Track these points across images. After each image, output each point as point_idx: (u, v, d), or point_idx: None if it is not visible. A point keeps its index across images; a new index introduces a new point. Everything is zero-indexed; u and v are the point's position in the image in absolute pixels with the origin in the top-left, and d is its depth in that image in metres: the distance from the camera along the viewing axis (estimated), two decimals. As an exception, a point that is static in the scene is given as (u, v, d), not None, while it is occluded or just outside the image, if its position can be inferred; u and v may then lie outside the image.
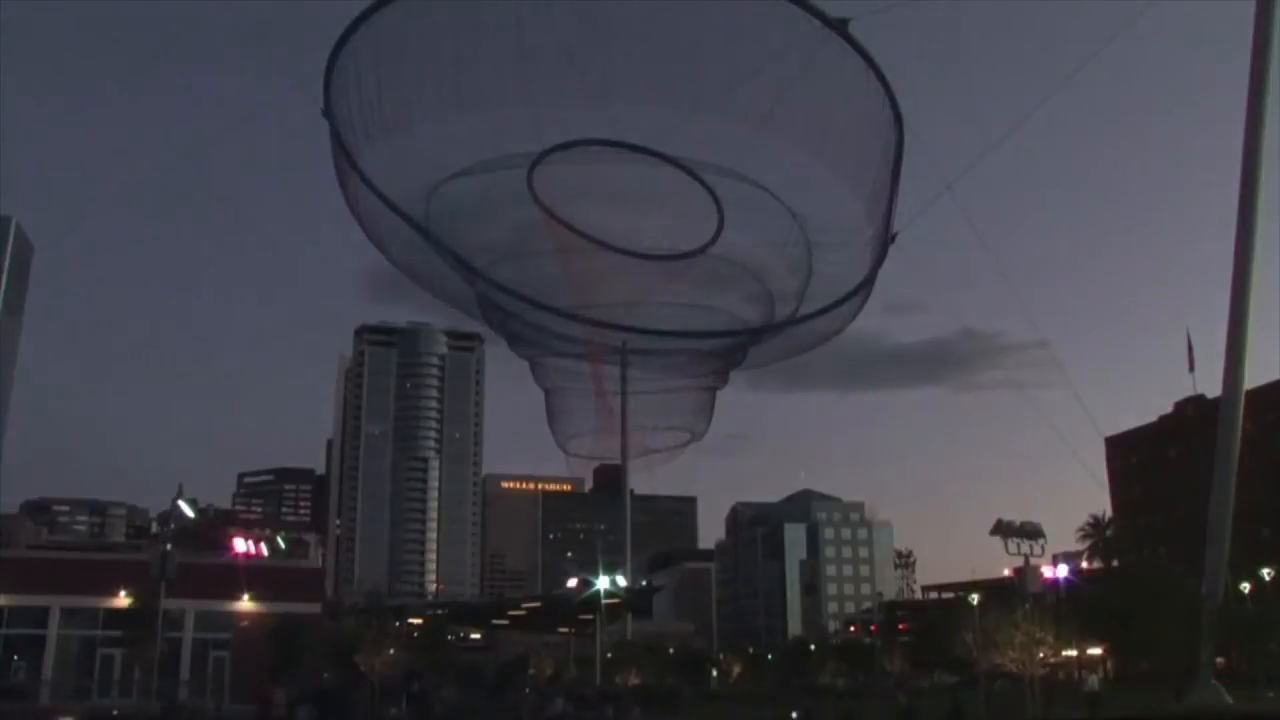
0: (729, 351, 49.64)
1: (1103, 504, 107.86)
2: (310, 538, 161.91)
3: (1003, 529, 68.05)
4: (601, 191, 42.44)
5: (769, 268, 45.26)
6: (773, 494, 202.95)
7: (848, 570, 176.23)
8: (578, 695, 53.23)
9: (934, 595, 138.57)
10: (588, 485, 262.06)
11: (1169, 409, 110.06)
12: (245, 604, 62.24)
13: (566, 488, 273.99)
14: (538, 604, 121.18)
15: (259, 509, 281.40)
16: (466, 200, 39.73)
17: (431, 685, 57.71)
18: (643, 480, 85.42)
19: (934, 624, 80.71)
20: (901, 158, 37.57)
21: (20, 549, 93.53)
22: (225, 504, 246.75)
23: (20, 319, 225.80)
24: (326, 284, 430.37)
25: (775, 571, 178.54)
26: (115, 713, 49.78)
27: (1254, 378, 44.17)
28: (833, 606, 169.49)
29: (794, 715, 44.78)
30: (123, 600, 58.14)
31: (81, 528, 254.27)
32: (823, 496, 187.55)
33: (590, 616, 73.97)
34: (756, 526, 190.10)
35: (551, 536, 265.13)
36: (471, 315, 49.51)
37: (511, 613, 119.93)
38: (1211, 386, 70.17)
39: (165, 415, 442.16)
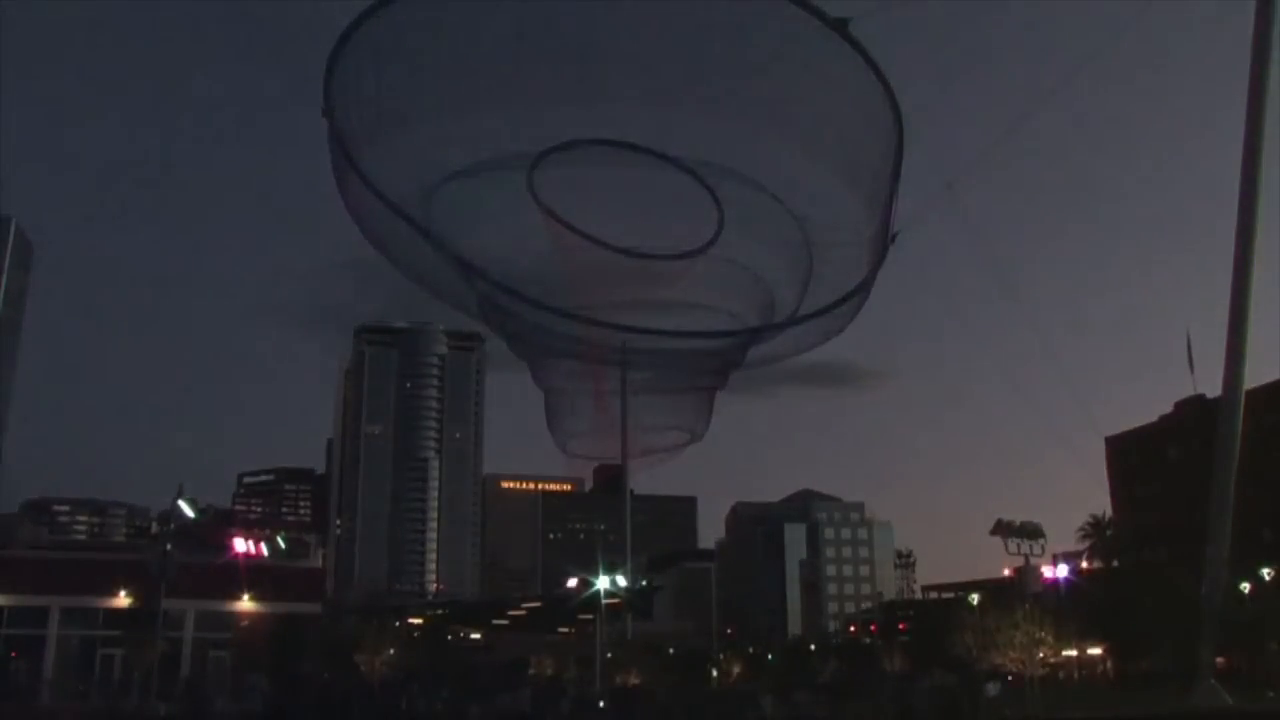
0: (729, 352, 49.57)
1: (1103, 504, 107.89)
2: (310, 538, 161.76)
3: (1003, 529, 68.06)
4: (601, 191, 42.37)
5: (769, 268, 45.19)
6: (773, 494, 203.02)
7: (848, 570, 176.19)
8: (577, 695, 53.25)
9: (934, 595, 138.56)
10: (588, 485, 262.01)
11: (1169, 409, 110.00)
12: (245, 604, 62.31)
13: (566, 488, 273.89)
14: (538, 604, 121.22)
15: (259, 509, 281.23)
16: (466, 200, 39.67)
17: (430, 685, 57.67)
18: (643, 480, 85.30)
19: (934, 624, 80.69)
20: (901, 157, 37.60)
21: (20, 549, 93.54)
22: (225, 504, 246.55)
23: (20, 319, 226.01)
24: (326, 284, 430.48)
25: (775, 571, 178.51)
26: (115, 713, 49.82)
27: (1254, 378, 44.20)
28: (833, 606, 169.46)
29: None
30: (123, 600, 58.25)
31: (81, 528, 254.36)
32: (823, 496, 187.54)
33: (590, 616, 73.85)
34: (756, 526, 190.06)
35: (551, 536, 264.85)
36: (471, 315, 49.43)
37: (511, 613, 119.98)
38: (1211, 386, 70.20)
39: (165, 415, 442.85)
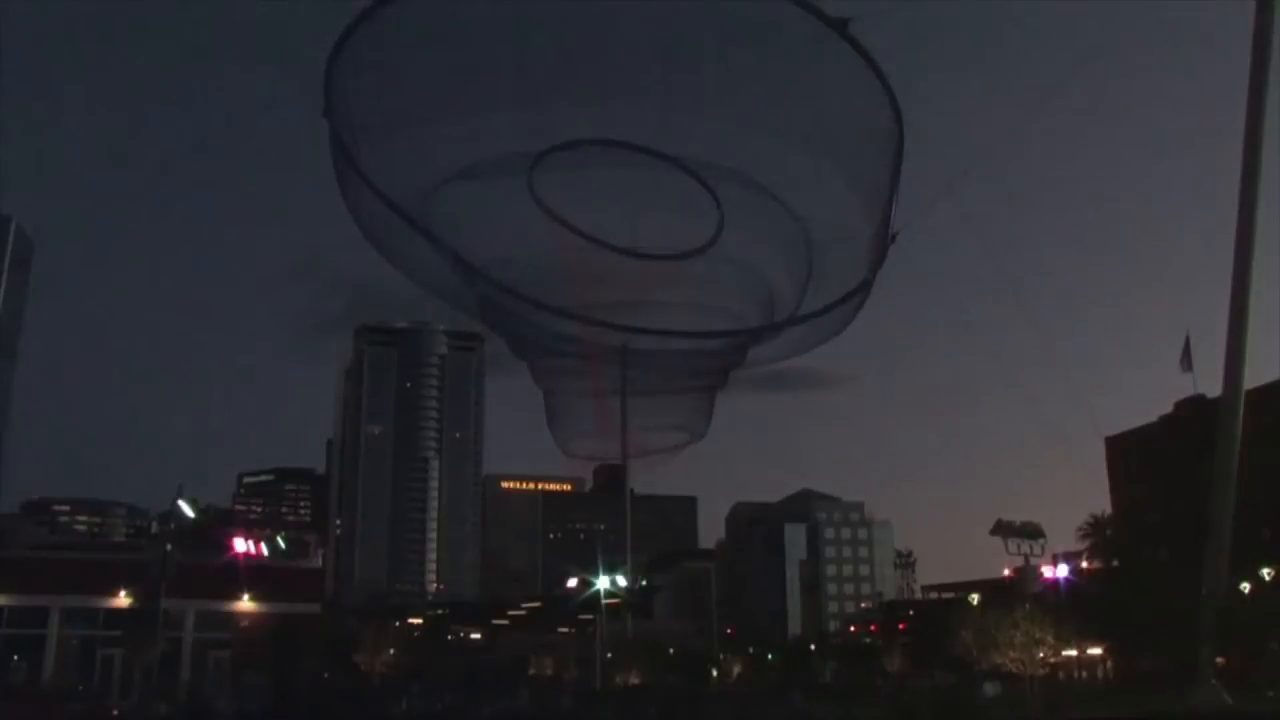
0: (729, 351, 49.60)
1: (1103, 504, 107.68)
2: (310, 538, 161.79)
3: (1003, 529, 68.08)
4: (602, 191, 42.40)
5: (769, 267, 45.23)
6: (773, 494, 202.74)
7: (848, 570, 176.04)
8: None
9: (934, 595, 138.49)
10: (588, 485, 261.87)
11: (1169, 409, 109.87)
12: (245, 604, 62.31)
13: (566, 488, 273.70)
14: (538, 604, 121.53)
15: (259, 509, 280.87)
16: (467, 200, 39.70)
17: (430, 685, 57.65)
18: (643, 480, 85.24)
19: (934, 624, 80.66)
20: (901, 157, 37.64)
21: (20, 549, 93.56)
22: (225, 504, 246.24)
23: (20, 318, 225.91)
24: (327, 283, 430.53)
25: (775, 571, 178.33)
26: (115, 713, 49.87)
27: (1254, 378, 44.17)
28: (833, 606, 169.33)
29: None
30: (123, 600, 58.25)
31: (81, 528, 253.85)
32: (823, 496, 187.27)
33: (590, 616, 73.86)
34: (756, 526, 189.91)
35: (551, 536, 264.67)
36: (471, 315, 49.51)
37: (511, 613, 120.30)
38: (1211, 386, 70.10)
39: (165, 415, 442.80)
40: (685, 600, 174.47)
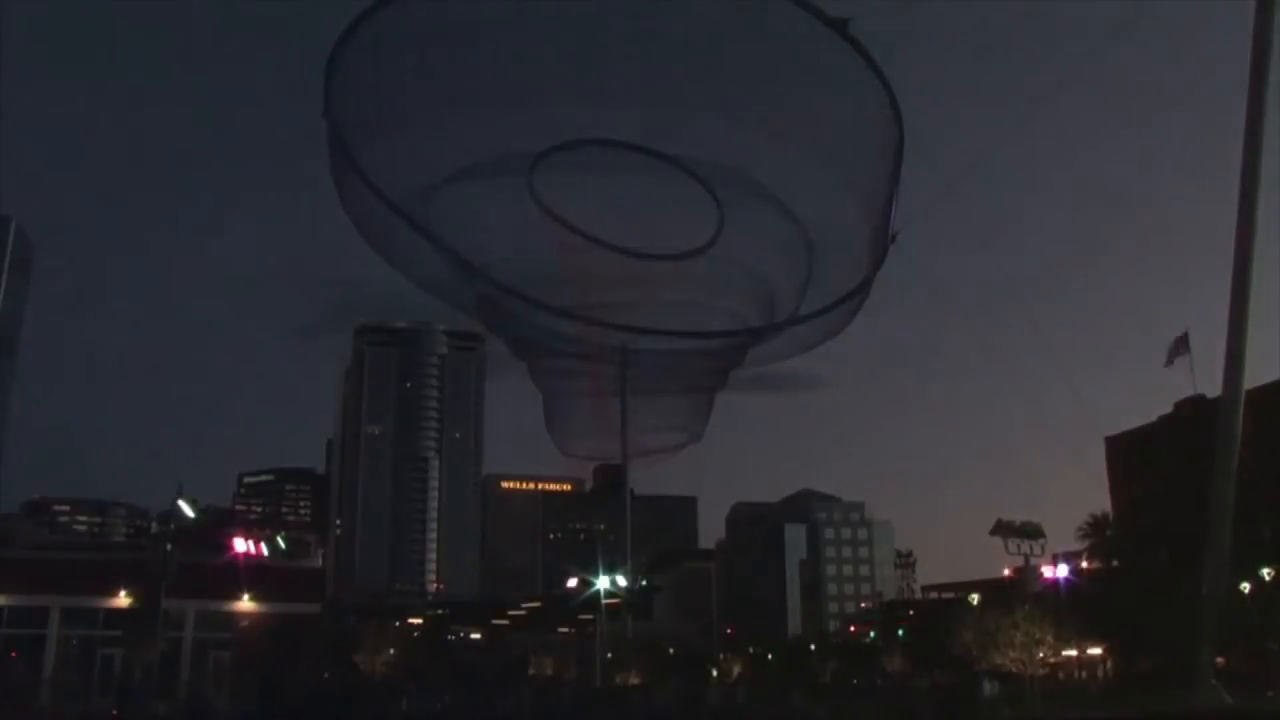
0: (729, 351, 49.58)
1: (1103, 504, 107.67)
2: (310, 538, 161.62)
3: (1003, 529, 68.17)
4: (601, 191, 42.39)
5: (769, 267, 45.20)
6: (773, 494, 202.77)
7: (848, 570, 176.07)
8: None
9: (934, 595, 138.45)
10: (588, 485, 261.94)
11: (1169, 409, 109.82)
12: (245, 604, 62.30)
13: (566, 488, 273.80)
14: (538, 604, 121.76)
15: (259, 509, 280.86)
16: (466, 200, 39.67)
17: (430, 685, 57.69)
18: (643, 480, 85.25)
19: (934, 624, 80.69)
20: (901, 157, 37.63)
21: (20, 549, 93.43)
22: (225, 504, 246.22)
23: (20, 318, 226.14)
24: (327, 284, 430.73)
25: (775, 571, 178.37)
26: (115, 713, 49.86)
27: (1254, 378, 44.14)
28: (833, 606, 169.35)
29: None
30: (123, 600, 58.24)
31: (81, 528, 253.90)
32: (823, 496, 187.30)
33: (590, 616, 73.93)
34: (756, 526, 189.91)
35: (551, 536, 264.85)
36: (471, 315, 49.50)
37: (511, 613, 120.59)
38: (1211, 386, 70.09)
39: (165, 415, 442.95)
40: (685, 600, 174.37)
